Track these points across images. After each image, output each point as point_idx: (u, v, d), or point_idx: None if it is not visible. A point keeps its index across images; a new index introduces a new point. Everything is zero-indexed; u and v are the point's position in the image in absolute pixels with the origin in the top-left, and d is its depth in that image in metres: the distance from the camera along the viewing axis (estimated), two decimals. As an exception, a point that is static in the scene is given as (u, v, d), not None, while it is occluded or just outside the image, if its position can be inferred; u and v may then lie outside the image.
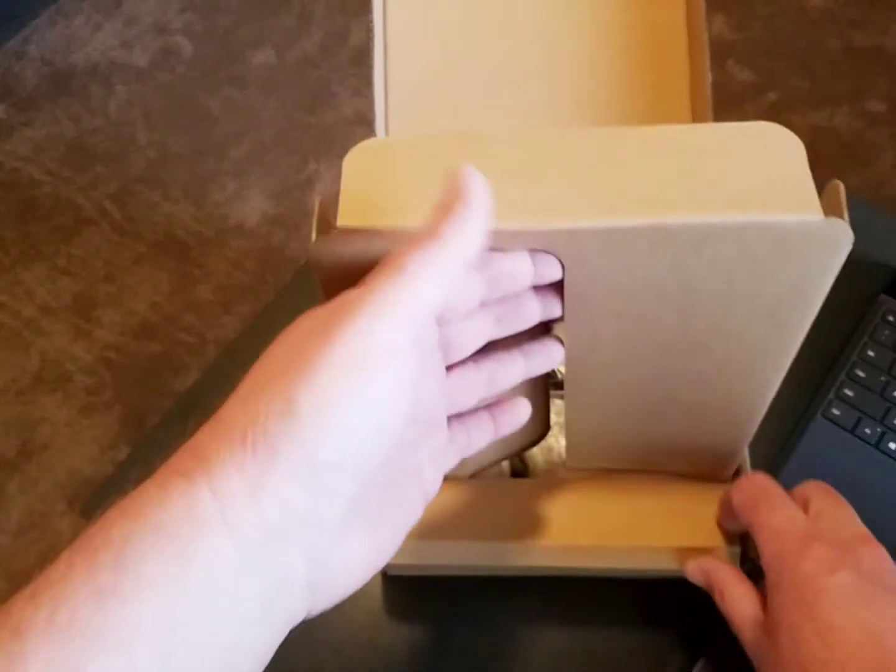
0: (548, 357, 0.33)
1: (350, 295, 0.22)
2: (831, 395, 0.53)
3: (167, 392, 0.75)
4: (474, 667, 0.46)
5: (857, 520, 0.36)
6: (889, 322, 0.54)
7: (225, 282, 0.78)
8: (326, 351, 0.21)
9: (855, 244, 0.58)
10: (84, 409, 0.71)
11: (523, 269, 0.28)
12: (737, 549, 0.40)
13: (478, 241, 0.24)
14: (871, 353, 0.53)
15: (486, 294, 0.28)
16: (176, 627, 0.19)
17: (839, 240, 0.26)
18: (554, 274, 0.29)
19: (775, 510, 0.35)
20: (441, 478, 0.29)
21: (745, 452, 0.42)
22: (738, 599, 0.36)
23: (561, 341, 0.33)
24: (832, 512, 0.36)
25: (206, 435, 0.22)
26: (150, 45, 0.99)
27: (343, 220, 0.27)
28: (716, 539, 0.40)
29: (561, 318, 0.32)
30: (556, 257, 0.28)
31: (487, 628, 0.47)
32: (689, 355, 0.33)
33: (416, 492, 0.27)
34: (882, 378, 0.53)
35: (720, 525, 0.40)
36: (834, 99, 0.86)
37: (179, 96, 0.94)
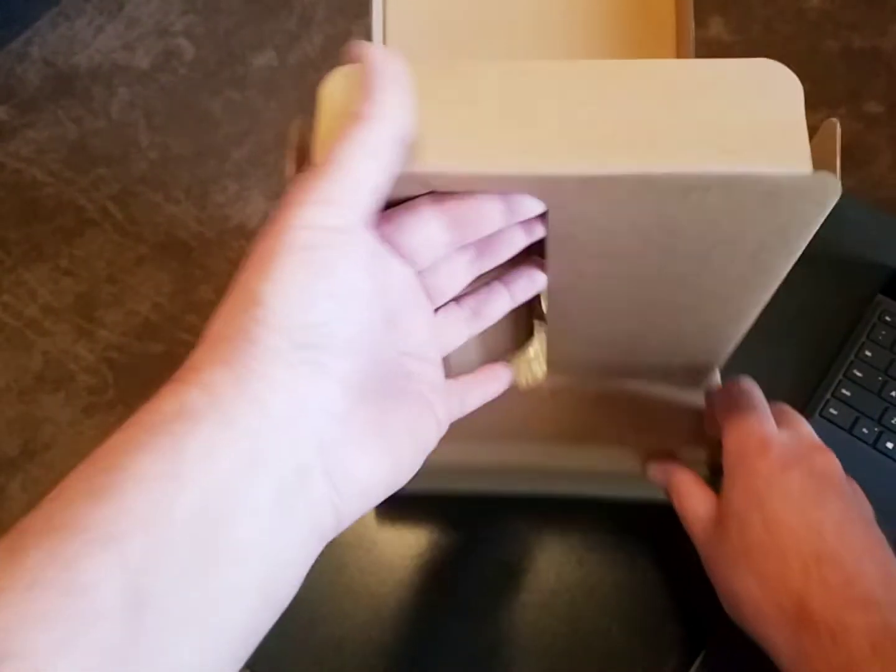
0: (530, 282, 0.33)
1: (289, 195, 0.23)
2: (829, 395, 0.53)
3: (169, 392, 0.75)
4: (471, 665, 0.46)
5: (815, 434, 0.39)
6: (886, 322, 0.54)
7: (226, 282, 0.79)
8: (276, 243, 0.22)
9: (853, 245, 0.59)
10: (87, 409, 0.72)
11: (492, 214, 0.28)
12: (701, 455, 0.42)
13: (401, 112, 0.24)
14: (868, 353, 0.53)
15: (456, 238, 0.29)
16: (175, 522, 0.19)
17: (827, 193, 0.26)
18: (532, 212, 0.29)
19: (748, 413, 0.38)
20: (449, 416, 0.30)
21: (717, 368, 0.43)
22: (694, 497, 0.39)
23: (543, 267, 0.34)
24: (792, 423, 0.39)
25: (192, 352, 0.23)
26: (151, 47, 0.99)
27: (319, 156, 0.26)
28: (682, 445, 0.42)
29: (543, 241, 0.32)
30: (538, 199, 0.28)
31: (484, 621, 0.47)
32: (670, 290, 0.34)
33: (429, 418, 0.28)
34: (879, 378, 0.53)
35: (706, 427, 0.43)
36: (832, 100, 0.86)
37: (181, 98, 0.95)
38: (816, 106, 0.86)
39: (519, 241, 0.31)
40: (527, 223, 0.30)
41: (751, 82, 0.25)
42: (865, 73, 0.88)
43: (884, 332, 0.54)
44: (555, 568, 0.49)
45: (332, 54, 1.00)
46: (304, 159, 0.28)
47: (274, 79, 0.97)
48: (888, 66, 0.88)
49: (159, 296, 0.77)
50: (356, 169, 0.23)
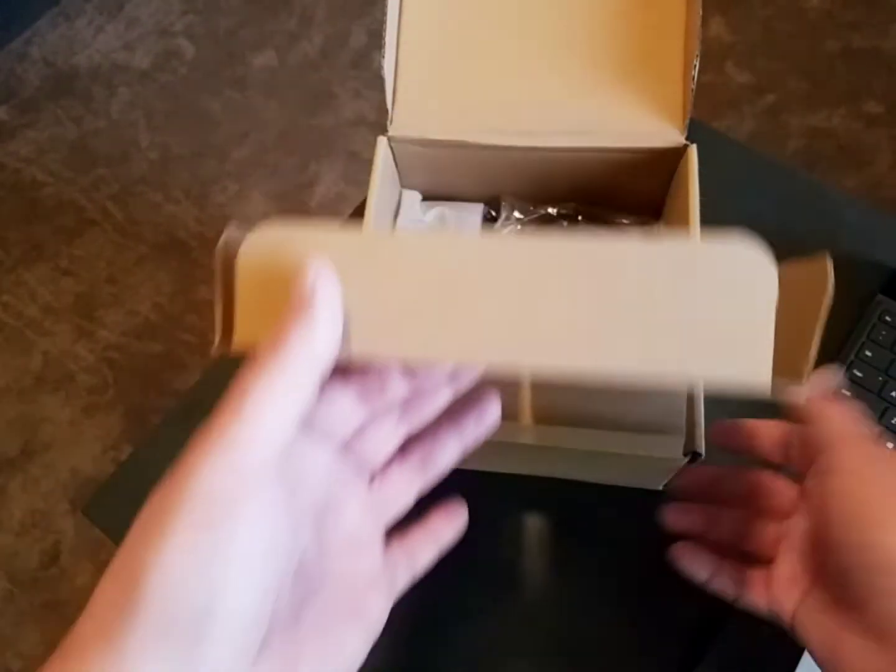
0: (481, 421, 0.30)
1: (197, 439, 0.20)
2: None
3: (169, 391, 0.75)
4: (471, 665, 0.46)
5: None
6: (886, 322, 0.54)
7: (226, 282, 0.79)
8: (171, 500, 0.20)
9: (853, 244, 0.58)
10: (86, 409, 0.72)
11: (400, 382, 0.27)
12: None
13: (327, 351, 0.21)
14: (868, 354, 0.53)
15: (371, 405, 0.27)
16: None
17: (793, 395, 0.22)
18: (447, 375, 0.28)
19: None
20: (390, 598, 0.27)
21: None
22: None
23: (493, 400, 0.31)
24: None
25: (78, 626, 0.20)
26: (152, 47, 0.99)
27: (240, 335, 0.24)
28: None
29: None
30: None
31: (484, 621, 0.47)
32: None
33: (354, 633, 0.25)
34: (879, 378, 0.53)
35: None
36: (832, 100, 0.86)
37: (181, 98, 0.95)
38: (816, 106, 0.86)
39: (443, 397, 0.29)
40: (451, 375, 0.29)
41: (721, 272, 0.22)
42: (865, 73, 0.88)
43: (884, 332, 0.54)
44: (555, 568, 0.49)
45: (332, 54, 1.00)
46: (230, 287, 0.24)
47: (274, 79, 0.98)
48: (888, 66, 0.88)
49: (159, 296, 0.77)
50: (271, 406, 0.20)
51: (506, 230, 0.47)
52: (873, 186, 0.74)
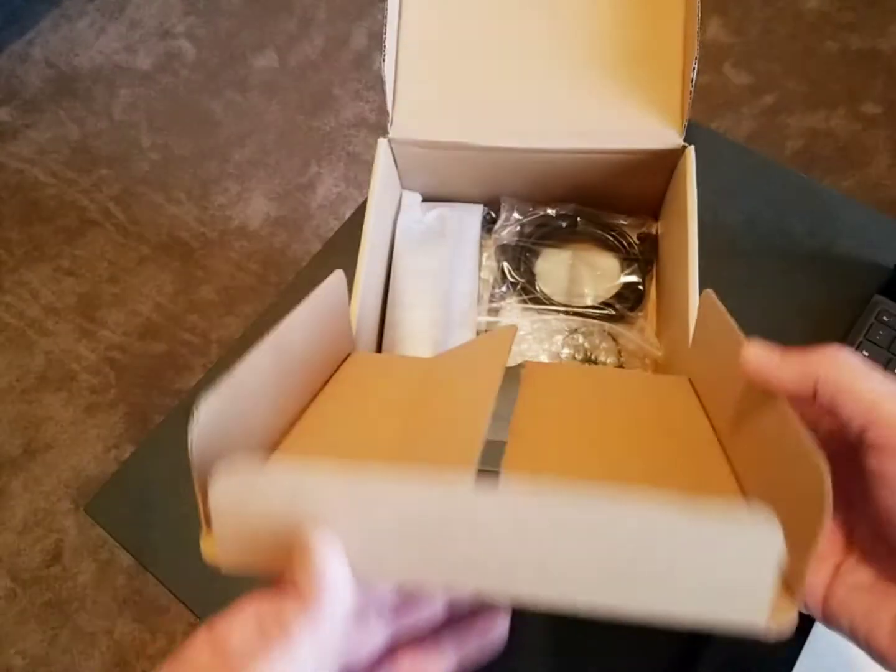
0: (487, 640, 0.28)
1: None
2: (827, 395, 0.53)
3: (171, 391, 0.75)
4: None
5: None
6: (884, 322, 0.54)
7: (228, 283, 0.79)
8: None
9: (850, 245, 0.59)
10: (89, 408, 0.72)
11: (384, 598, 0.26)
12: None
13: (335, 639, 0.21)
14: (866, 354, 0.54)
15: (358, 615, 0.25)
16: None
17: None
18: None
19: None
20: None
21: None
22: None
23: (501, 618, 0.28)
24: None
25: None
26: (153, 48, 0.99)
27: (224, 558, 0.23)
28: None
29: None
30: None
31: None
32: None
33: None
34: (877, 377, 0.53)
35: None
36: (830, 101, 0.86)
37: (182, 99, 0.95)
38: (815, 107, 0.86)
39: (438, 605, 0.27)
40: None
41: (726, 532, 0.21)
42: (863, 74, 0.89)
43: (881, 332, 0.54)
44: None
45: (333, 55, 1.01)
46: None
47: (275, 80, 0.98)
48: (886, 67, 0.88)
49: (161, 296, 0.77)
50: None
51: (505, 231, 0.47)
52: (871, 187, 0.74)
